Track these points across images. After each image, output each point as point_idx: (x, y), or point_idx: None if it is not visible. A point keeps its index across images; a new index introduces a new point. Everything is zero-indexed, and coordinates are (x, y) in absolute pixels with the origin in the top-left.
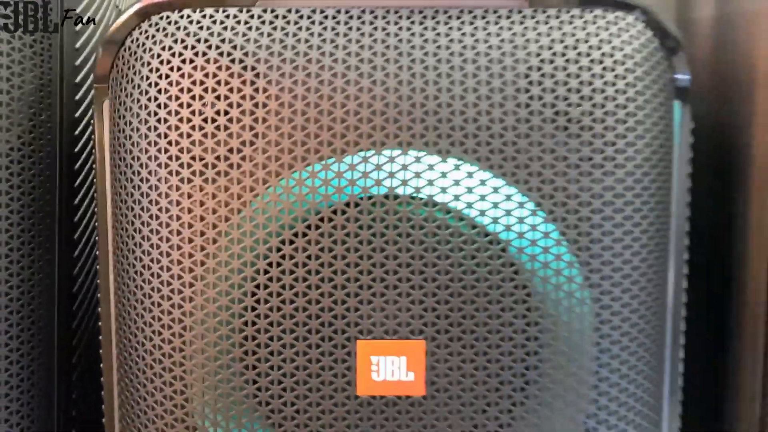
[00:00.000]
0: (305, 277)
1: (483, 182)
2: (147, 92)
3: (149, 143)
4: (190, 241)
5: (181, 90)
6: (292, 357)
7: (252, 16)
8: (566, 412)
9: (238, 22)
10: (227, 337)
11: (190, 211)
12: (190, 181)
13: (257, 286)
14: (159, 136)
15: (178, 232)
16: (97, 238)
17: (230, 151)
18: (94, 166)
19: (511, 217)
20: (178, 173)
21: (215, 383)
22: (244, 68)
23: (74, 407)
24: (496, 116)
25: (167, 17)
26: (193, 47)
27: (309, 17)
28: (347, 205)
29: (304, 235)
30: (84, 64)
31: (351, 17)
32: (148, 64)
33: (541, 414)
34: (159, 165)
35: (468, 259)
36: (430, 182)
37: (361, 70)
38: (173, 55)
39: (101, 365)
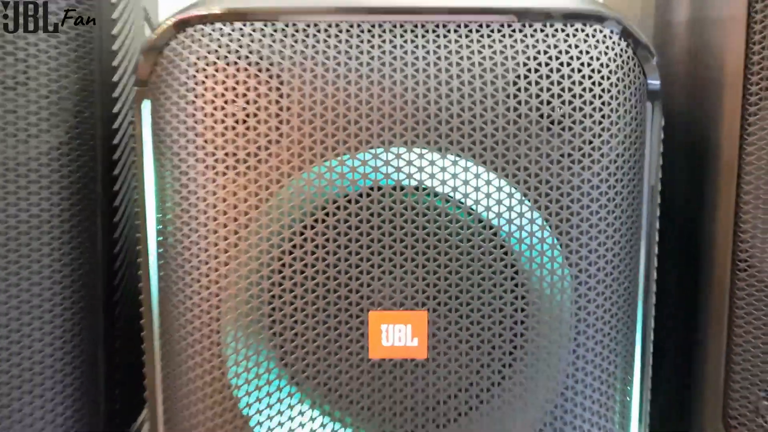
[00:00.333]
0: (324, 257)
1: (477, 176)
2: (185, 96)
3: (188, 140)
4: (225, 226)
5: (215, 94)
6: (313, 326)
7: (276, 30)
8: (548, 373)
9: (264, 35)
10: (257, 308)
11: (224, 200)
12: (224, 174)
13: (282, 265)
14: (197, 134)
15: (214, 218)
16: (136, 222)
17: (258, 147)
18: (132, 157)
19: (501, 205)
20: (213, 167)
21: (247, 347)
22: (270, 75)
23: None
24: (488, 118)
25: (201, 29)
26: (225, 56)
27: (326, 31)
28: (360, 195)
29: (323, 220)
30: (119, 64)
31: (362, 31)
32: (186, 70)
33: (526, 375)
34: (197, 160)
35: (464, 242)
36: (432, 176)
37: (372, 77)
38: (207, 63)
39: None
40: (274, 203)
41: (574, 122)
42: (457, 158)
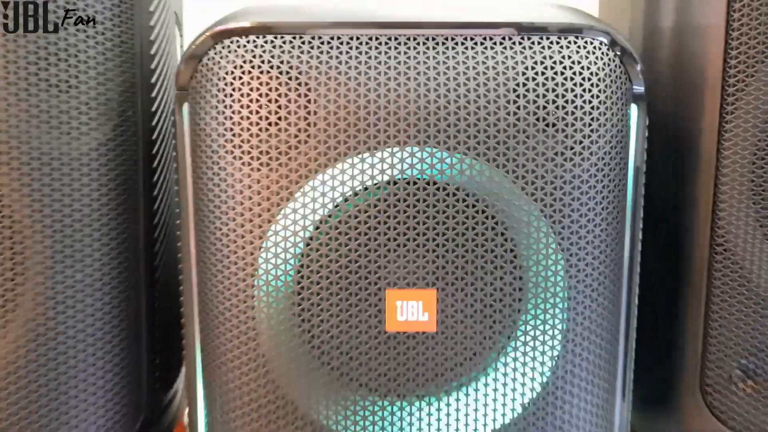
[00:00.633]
0: (346, 242)
1: (481, 171)
2: (222, 99)
3: (225, 139)
4: (259, 215)
5: (249, 98)
6: (336, 302)
7: (303, 42)
8: (543, 345)
9: (293, 47)
10: (287, 287)
11: (258, 192)
12: (258, 169)
13: (310, 249)
14: (233, 134)
15: (249, 208)
16: (176, 210)
17: (288, 146)
18: (170, 151)
19: (501, 196)
20: (249, 163)
21: (278, 321)
22: (298, 82)
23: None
24: (491, 121)
25: (237, 41)
26: (258, 65)
27: (347, 43)
28: (378, 188)
29: (346, 210)
30: (156, 67)
31: (380, 43)
32: (223, 77)
33: (523, 346)
34: (234, 156)
35: (469, 230)
36: (441, 171)
37: (389, 84)
38: (242, 71)
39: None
40: (301, 195)
41: (566, 124)
42: (464, 156)
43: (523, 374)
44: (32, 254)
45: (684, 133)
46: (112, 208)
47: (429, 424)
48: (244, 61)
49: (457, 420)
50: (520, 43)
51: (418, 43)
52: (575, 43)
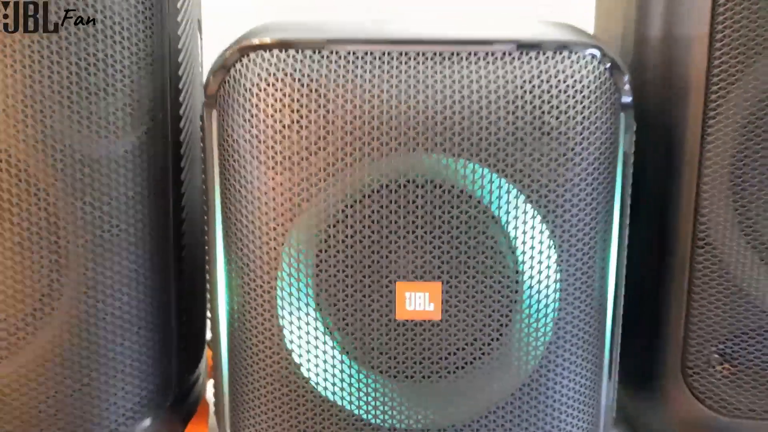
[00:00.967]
0: (360, 239)
1: (482, 173)
2: (248, 108)
3: (251, 144)
4: (282, 214)
5: (273, 107)
6: (351, 293)
7: (323, 57)
8: (536, 333)
9: (313, 61)
10: (306, 278)
11: (281, 193)
12: (281, 173)
13: (327, 245)
14: (258, 140)
15: (273, 208)
16: (203, 207)
17: (308, 151)
18: (197, 153)
19: (501, 197)
20: (273, 167)
21: (298, 309)
22: (317, 94)
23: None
24: (492, 129)
25: (261, 55)
26: (281, 78)
27: (363, 58)
28: (389, 189)
29: (360, 209)
30: (183, 72)
31: (392, 58)
32: (249, 88)
33: (518, 333)
34: (259, 160)
35: (471, 227)
36: (447, 174)
37: (399, 95)
38: (267, 82)
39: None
40: (320, 192)
41: (560, 132)
42: (467, 160)
43: (518, 359)
44: (72, 251)
45: (670, 136)
46: (145, 206)
47: (433, 402)
48: (268, 74)
49: (458, 398)
50: (519, 58)
51: (426, 58)
52: (568, 57)
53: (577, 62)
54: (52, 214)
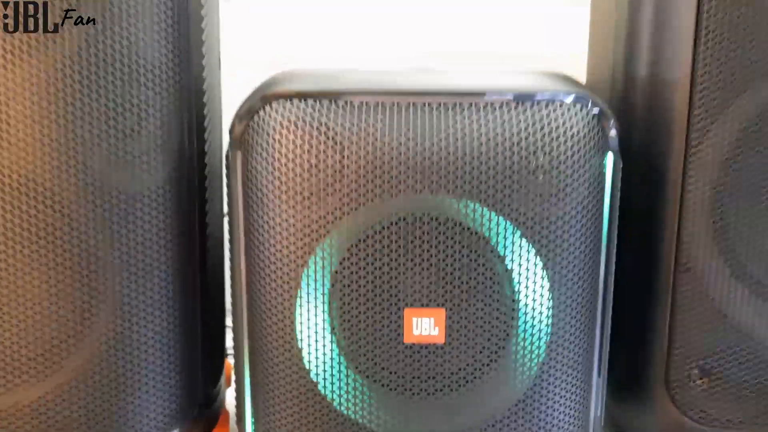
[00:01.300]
0: (372, 270)
1: (482, 212)
2: (271, 151)
3: (273, 183)
4: (300, 248)
5: (294, 152)
6: (364, 319)
7: (338, 106)
8: (532, 351)
9: (329, 110)
10: (322, 304)
11: (300, 229)
12: (300, 210)
13: (343, 275)
14: (280, 180)
15: (293, 241)
16: (228, 233)
17: (325, 191)
18: (222, 187)
19: (499, 233)
20: (293, 205)
21: (315, 331)
22: (334, 140)
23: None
24: (491, 172)
25: (282, 103)
26: (301, 126)
27: (374, 108)
28: (398, 226)
29: (372, 243)
30: (208, 112)
31: (401, 108)
32: (271, 133)
33: (513, 355)
34: (280, 200)
35: (472, 260)
36: (448, 211)
37: (408, 142)
38: (288, 129)
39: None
40: (337, 226)
41: (552, 173)
42: (468, 199)
43: (514, 378)
44: (106, 279)
45: (654, 168)
46: (174, 236)
47: (437, 416)
48: (289, 121)
49: (460, 412)
50: (515, 108)
51: (432, 108)
52: (561, 106)
53: (568, 110)
54: (85, 243)
